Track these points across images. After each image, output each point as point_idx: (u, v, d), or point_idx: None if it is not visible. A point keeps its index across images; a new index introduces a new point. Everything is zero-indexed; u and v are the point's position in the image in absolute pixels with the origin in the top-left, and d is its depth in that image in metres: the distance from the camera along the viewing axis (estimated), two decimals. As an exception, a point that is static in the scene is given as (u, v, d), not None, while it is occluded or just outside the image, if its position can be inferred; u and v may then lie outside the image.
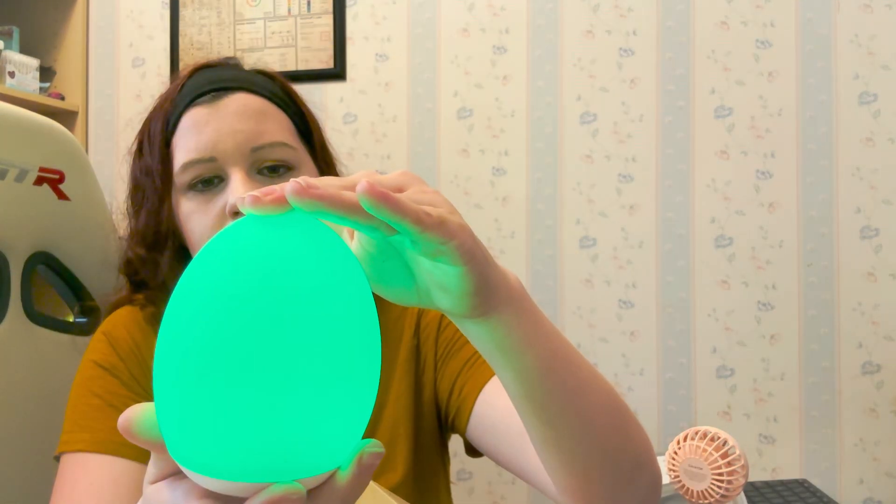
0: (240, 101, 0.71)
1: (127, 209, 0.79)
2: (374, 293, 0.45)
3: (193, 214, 0.70)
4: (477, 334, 0.45)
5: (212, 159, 0.69)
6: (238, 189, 0.68)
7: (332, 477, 0.33)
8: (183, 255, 0.76)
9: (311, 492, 0.33)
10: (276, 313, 0.30)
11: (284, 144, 0.72)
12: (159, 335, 0.32)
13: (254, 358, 0.30)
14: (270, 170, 0.71)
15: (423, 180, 0.41)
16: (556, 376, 0.48)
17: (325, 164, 0.79)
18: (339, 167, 0.82)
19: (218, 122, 0.70)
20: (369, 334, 0.33)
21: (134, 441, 0.33)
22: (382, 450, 0.34)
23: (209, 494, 0.33)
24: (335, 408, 0.32)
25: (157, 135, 0.73)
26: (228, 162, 0.69)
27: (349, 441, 0.33)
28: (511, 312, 0.44)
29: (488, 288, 0.41)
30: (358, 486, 0.34)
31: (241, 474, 0.31)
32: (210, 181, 0.70)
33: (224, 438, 0.30)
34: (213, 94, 0.72)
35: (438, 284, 0.40)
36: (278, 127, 0.72)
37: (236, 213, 0.67)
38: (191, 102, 0.72)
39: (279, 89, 0.76)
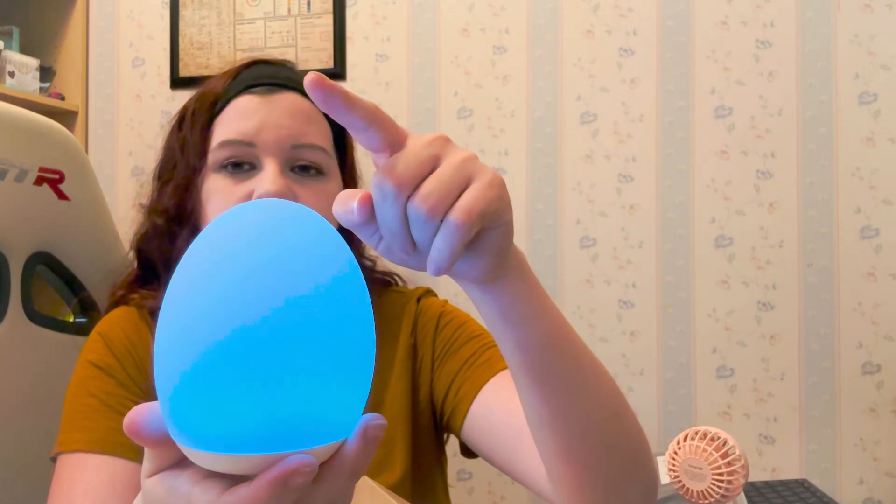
0: (291, 100, 0.73)
1: (154, 178, 0.80)
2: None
3: (217, 194, 0.71)
4: (483, 301, 0.47)
5: (251, 144, 0.70)
6: (268, 180, 0.68)
7: (339, 450, 0.34)
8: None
9: (320, 465, 0.33)
10: (279, 286, 0.31)
11: (322, 149, 0.73)
12: (162, 309, 0.33)
13: (258, 327, 0.31)
14: (301, 168, 0.72)
15: (453, 146, 0.43)
16: (556, 350, 0.50)
17: (350, 179, 0.80)
18: (360, 185, 0.84)
19: (266, 113, 0.71)
20: (363, 308, 0.35)
21: (140, 441, 0.34)
22: (385, 422, 0.35)
23: (213, 475, 0.34)
24: (338, 377, 0.32)
25: (202, 112, 0.74)
26: (266, 152, 0.70)
27: (352, 413, 0.34)
28: (518, 282, 0.46)
29: (507, 253, 0.44)
30: (365, 458, 0.34)
31: (248, 446, 0.31)
32: (241, 165, 0.71)
33: (231, 409, 0.31)
34: (267, 87, 0.73)
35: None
36: (320, 132, 0.74)
37: None
38: (244, 90, 0.73)
39: None
